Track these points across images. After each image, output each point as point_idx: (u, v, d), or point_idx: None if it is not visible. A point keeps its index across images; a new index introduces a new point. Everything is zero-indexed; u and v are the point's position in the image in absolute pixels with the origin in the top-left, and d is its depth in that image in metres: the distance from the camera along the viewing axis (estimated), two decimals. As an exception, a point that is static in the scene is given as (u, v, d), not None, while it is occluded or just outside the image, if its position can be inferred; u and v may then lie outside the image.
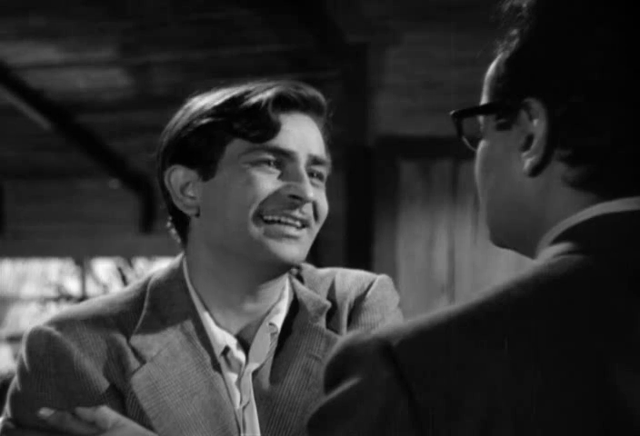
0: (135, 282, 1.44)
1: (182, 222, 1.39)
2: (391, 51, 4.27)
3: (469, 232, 4.16)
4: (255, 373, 1.36)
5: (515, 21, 0.91)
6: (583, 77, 0.87)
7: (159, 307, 1.37)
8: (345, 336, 0.83)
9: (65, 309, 1.39)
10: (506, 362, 0.77)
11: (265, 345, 1.37)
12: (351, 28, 4.27)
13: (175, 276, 1.39)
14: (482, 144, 0.95)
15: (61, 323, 1.33)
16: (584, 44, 0.87)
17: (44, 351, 1.32)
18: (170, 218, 1.41)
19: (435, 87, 4.20)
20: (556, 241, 0.87)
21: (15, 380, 1.34)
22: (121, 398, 1.31)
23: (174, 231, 1.41)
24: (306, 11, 4.11)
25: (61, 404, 1.29)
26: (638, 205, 0.86)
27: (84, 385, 1.30)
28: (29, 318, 8.06)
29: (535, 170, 0.89)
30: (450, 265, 4.18)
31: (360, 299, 1.44)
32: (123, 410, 1.30)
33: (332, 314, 1.42)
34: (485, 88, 0.95)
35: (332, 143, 1.41)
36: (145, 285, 1.40)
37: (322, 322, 1.41)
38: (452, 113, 0.96)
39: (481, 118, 0.96)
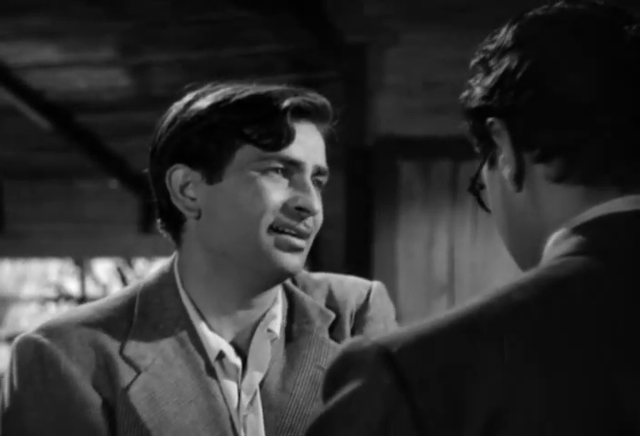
0: (126, 287, 1.42)
1: (176, 223, 1.37)
2: (391, 51, 4.27)
3: (469, 233, 4.16)
4: (261, 381, 1.35)
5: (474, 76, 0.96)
6: (522, 77, 0.89)
7: (150, 313, 1.35)
8: (344, 343, 0.82)
9: (53, 317, 1.37)
10: (508, 366, 0.77)
11: (265, 352, 1.36)
12: (351, 28, 4.27)
13: (165, 280, 1.37)
14: (487, 192, 0.97)
15: (49, 331, 1.31)
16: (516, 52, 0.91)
17: (31, 358, 1.30)
18: (161, 217, 1.38)
19: (434, 87, 4.20)
20: (559, 242, 0.87)
21: (4, 388, 1.33)
22: (107, 406, 1.29)
23: (164, 230, 1.39)
24: (306, 11, 4.11)
25: (44, 411, 1.28)
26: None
27: (68, 391, 1.29)
28: (29, 318, 8.05)
29: (517, 179, 0.90)
30: (450, 265, 4.18)
31: (363, 309, 1.43)
32: (108, 418, 1.29)
33: (334, 324, 1.41)
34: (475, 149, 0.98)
35: (330, 149, 1.40)
36: (134, 291, 1.38)
37: (327, 333, 1.40)
38: (468, 189, 0.99)
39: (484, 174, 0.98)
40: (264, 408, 1.34)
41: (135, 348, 1.32)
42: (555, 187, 0.89)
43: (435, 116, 4.12)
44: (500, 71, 0.91)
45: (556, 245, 0.87)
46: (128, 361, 1.31)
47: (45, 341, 1.30)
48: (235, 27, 4.29)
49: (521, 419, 0.75)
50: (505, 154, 0.91)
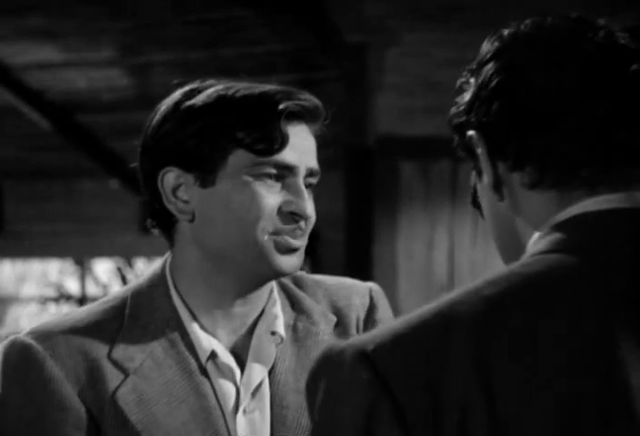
0: (118, 289, 1.42)
1: (168, 224, 1.36)
2: (391, 51, 4.27)
3: (469, 233, 4.16)
4: (271, 381, 1.36)
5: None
6: (493, 89, 0.93)
7: (141, 314, 1.35)
8: (323, 347, 0.85)
9: (45, 321, 1.37)
10: (477, 358, 0.80)
11: (269, 353, 1.36)
12: (351, 28, 4.27)
13: (157, 281, 1.37)
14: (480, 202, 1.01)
15: (37, 333, 1.32)
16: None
17: (16, 358, 1.31)
18: (152, 217, 1.37)
19: (434, 87, 4.20)
20: (536, 242, 0.90)
21: None
22: (90, 412, 1.29)
23: (156, 230, 1.38)
24: (306, 11, 4.12)
25: (21, 411, 1.29)
26: (615, 204, 0.89)
27: (49, 394, 1.29)
28: (29, 318, 8.06)
29: (496, 188, 0.94)
30: (450, 265, 4.18)
31: (370, 311, 1.44)
32: (90, 423, 1.29)
33: (339, 326, 1.42)
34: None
35: (324, 149, 1.40)
36: (126, 292, 1.38)
37: (332, 336, 1.41)
38: (470, 203, 1.03)
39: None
40: (281, 407, 1.35)
41: (123, 350, 1.32)
42: (531, 193, 0.92)
43: (435, 116, 4.12)
44: (477, 86, 0.95)
45: (534, 245, 0.90)
46: (116, 364, 1.31)
47: (32, 342, 1.31)
48: (235, 27, 4.30)
49: (491, 411, 0.78)
50: (482, 165, 0.95)
